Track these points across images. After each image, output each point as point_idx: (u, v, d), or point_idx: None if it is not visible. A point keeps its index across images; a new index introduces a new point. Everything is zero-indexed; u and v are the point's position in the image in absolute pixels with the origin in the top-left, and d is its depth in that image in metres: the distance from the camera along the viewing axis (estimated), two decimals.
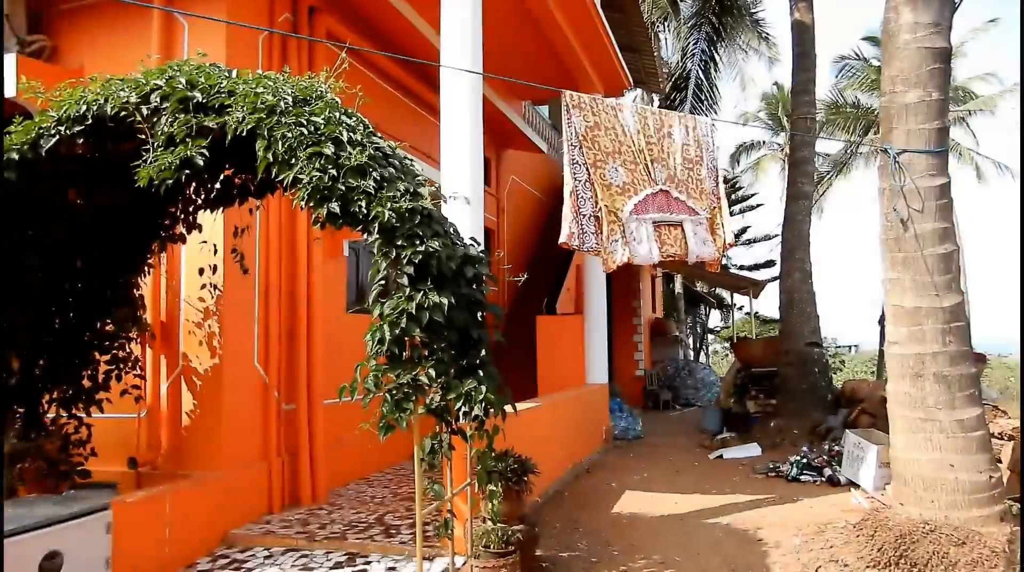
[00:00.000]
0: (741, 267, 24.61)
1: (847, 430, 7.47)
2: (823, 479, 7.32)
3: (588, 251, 4.50)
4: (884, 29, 5.22)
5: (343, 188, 3.30)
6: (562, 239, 4.56)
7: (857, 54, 23.99)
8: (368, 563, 4.64)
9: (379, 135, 3.69)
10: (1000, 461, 5.70)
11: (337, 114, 3.54)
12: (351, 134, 3.45)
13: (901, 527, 4.67)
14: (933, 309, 4.63)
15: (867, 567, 4.65)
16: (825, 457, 7.69)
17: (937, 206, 4.71)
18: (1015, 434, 5.55)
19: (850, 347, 40.13)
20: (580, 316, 10.08)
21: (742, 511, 6.39)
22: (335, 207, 3.30)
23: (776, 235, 19.62)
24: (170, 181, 3.44)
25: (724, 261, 24.67)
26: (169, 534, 4.56)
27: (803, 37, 10.76)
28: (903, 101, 4.92)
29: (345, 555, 4.78)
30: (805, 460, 7.73)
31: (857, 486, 6.83)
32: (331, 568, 4.57)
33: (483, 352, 3.67)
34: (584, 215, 4.39)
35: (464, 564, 4.44)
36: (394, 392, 3.25)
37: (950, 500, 4.59)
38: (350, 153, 3.34)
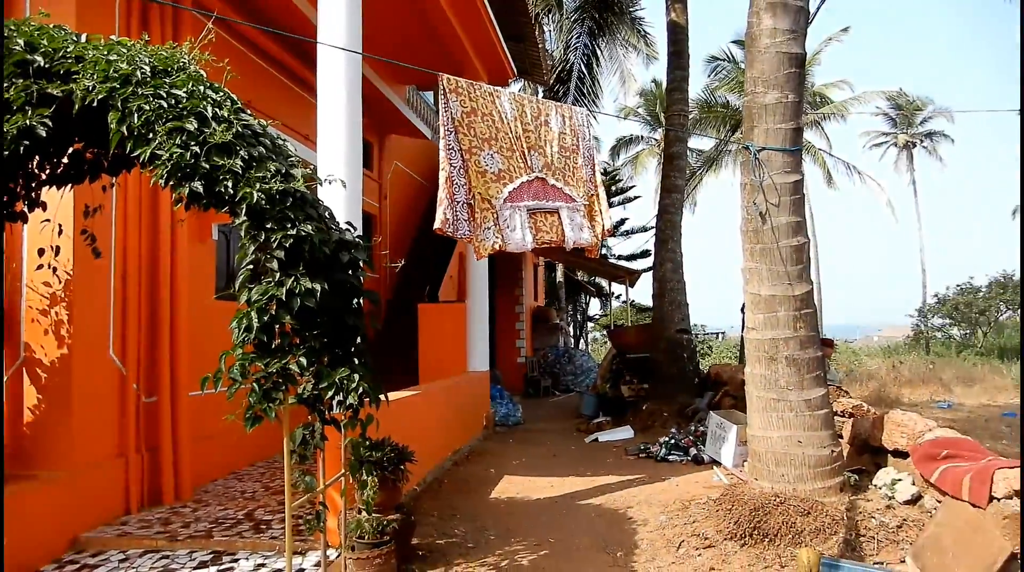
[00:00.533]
0: (619, 257, 25.53)
1: (711, 411, 7.94)
2: (689, 458, 7.77)
3: (461, 238, 4.50)
4: (747, 33, 5.56)
5: (207, 166, 3.12)
6: (436, 225, 4.54)
7: (728, 55, 25.41)
8: (235, 561, 4.46)
9: (249, 112, 3.51)
10: (841, 436, 6.27)
11: (201, 88, 3.35)
12: (217, 109, 3.27)
13: (755, 500, 5.03)
14: (786, 297, 5.01)
15: (725, 539, 4.98)
16: (691, 437, 8.15)
17: (791, 201, 5.10)
18: (855, 412, 6.12)
19: (718, 334, 42.62)
20: (462, 304, 10.11)
21: (614, 491, 6.66)
22: (198, 187, 3.12)
23: (652, 226, 20.47)
24: (6, 152, 3.13)
25: (603, 251, 25.44)
26: (5, 542, 4.18)
27: (677, 37, 11.26)
28: (763, 101, 5.27)
29: (211, 554, 4.57)
30: (673, 441, 8.16)
31: (719, 464, 7.29)
32: (194, 568, 4.35)
33: (358, 340, 3.61)
34: (458, 202, 4.37)
35: (338, 557, 4.36)
36: (262, 382, 3.13)
37: (798, 473, 4.99)
38: (215, 129, 3.17)
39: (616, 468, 7.73)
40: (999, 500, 4.05)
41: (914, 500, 4.86)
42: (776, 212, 5.05)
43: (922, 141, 34.43)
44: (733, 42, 26.80)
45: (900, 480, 5.00)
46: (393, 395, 6.53)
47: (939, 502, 4.64)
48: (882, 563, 4.53)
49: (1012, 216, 30.13)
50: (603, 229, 5.17)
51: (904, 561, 4.52)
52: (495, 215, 4.46)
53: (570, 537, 5.45)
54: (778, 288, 5.01)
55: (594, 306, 31.79)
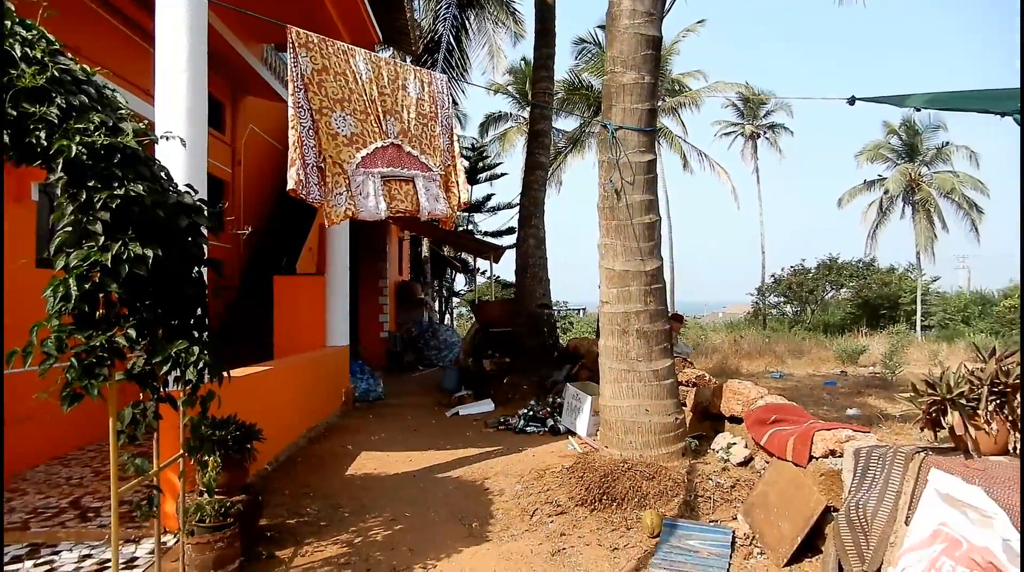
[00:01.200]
0: (485, 233, 25.70)
1: (568, 383, 8.19)
2: (546, 429, 7.98)
3: (313, 202, 4.27)
4: (608, 12, 5.68)
5: (15, 114, 2.77)
6: (290, 186, 4.26)
7: (594, 39, 26.02)
8: (57, 553, 4.07)
9: (70, 56, 3.14)
10: (685, 404, 6.67)
11: (9, 24, 2.95)
12: (28, 49, 2.89)
13: (605, 467, 5.25)
14: (638, 272, 5.22)
15: (576, 505, 5.17)
16: (548, 409, 8.38)
17: (645, 180, 5.30)
18: (698, 381, 6.53)
19: (579, 310, 44.11)
20: (321, 277, 9.76)
21: (472, 464, 6.72)
22: (4, 137, 2.76)
23: (517, 203, 20.72)
24: None
25: (469, 226, 25.38)
26: None
27: (545, 15, 11.34)
28: (621, 81, 5.42)
29: (27, 547, 4.15)
30: (531, 413, 8.35)
31: (575, 434, 7.55)
32: (5, 564, 3.93)
33: (199, 311, 3.36)
34: (309, 164, 4.13)
35: (176, 542, 4.09)
36: (83, 356, 2.84)
37: (645, 440, 5.26)
38: (25, 71, 2.80)
39: (475, 441, 7.81)
40: (817, 459, 4.46)
41: (746, 462, 5.26)
42: (631, 190, 5.23)
43: (765, 132, 37.09)
44: (599, 26, 27.52)
45: (735, 444, 5.39)
46: (241, 371, 6.23)
47: (767, 463, 5.05)
48: (716, 521, 4.89)
49: (838, 205, 33.28)
50: (459, 201, 5.10)
51: (736, 518, 4.89)
52: (347, 181, 4.26)
53: (426, 510, 5.45)
54: (631, 263, 5.21)
55: (460, 282, 31.85)
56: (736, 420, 5.64)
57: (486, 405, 9.66)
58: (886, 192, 30.99)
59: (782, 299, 37.82)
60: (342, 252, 9.78)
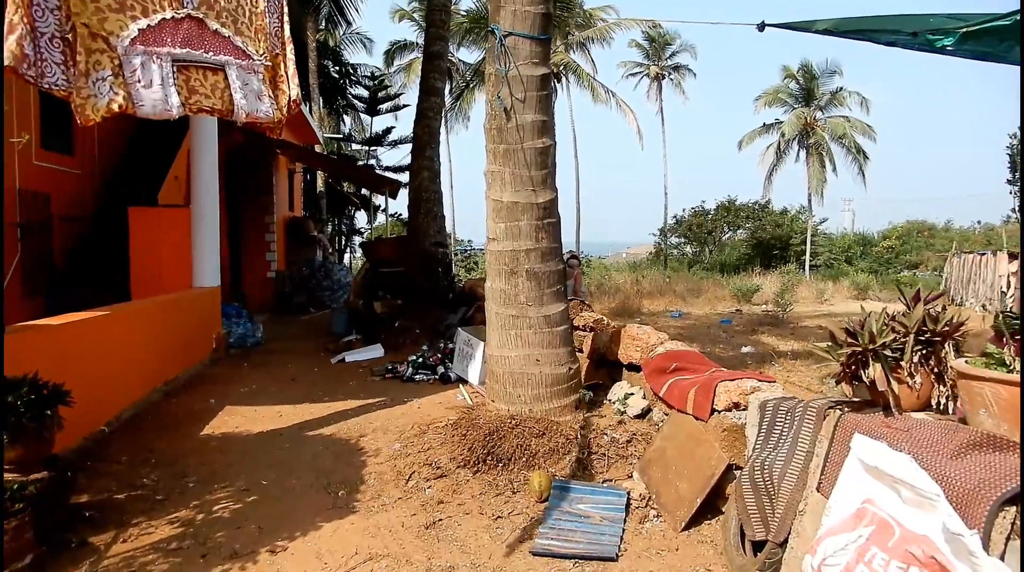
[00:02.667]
0: (386, 168, 24.34)
1: (459, 328, 7.53)
2: (437, 377, 7.33)
3: (50, 89, 3.16)
4: None
5: None
6: (7, 61, 2.95)
7: None
8: None
9: None
10: (581, 350, 6.14)
11: None
12: None
13: (490, 424, 4.65)
14: (529, 205, 4.53)
15: (458, 467, 4.56)
16: (440, 355, 7.71)
17: (538, 97, 4.56)
18: (596, 326, 6.00)
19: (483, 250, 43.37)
20: (185, 209, 8.58)
21: (350, 418, 6.00)
22: None
23: None
24: None
25: (371, 162, 23.94)
26: None
27: None
28: None
29: None
30: (421, 360, 7.67)
31: (467, 382, 6.93)
32: None
33: None
34: (44, 34, 3.03)
35: None
36: None
37: (535, 394, 4.67)
38: None
39: (358, 391, 7.06)
40: (720, 412, 4.00)
41: (644, 414, 4.78)
42: (522, 108, 4.48)
43: (670, 74, 36.88)
44: None
45: (632, 394, 4.90)
46: (66, 318, 5.20)
47: (666, 415, 4.58)
48: (611, 480, 4.40)
49: (738, 148, 33.72)
50: (290, 100, 4.10)
51: (632, 476, 4.42)
52: (115, 61, 3.17)
53: (288, 476, 4.71)
54: (521, 194, 4.51)
55: (363, 220, 30.45)
56: (635, 368, 5.13)
57: (375, 351, 8.89)
58: (783, 135, 31.55)
59: (683, 240, 38.48)
60: (210, 181, 8.61)
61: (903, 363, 2.88)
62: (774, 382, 4.06)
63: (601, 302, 21.19)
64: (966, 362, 2.58)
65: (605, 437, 4.63)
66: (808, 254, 32.04)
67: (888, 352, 2.88)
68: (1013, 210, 21.19)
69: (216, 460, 5.01)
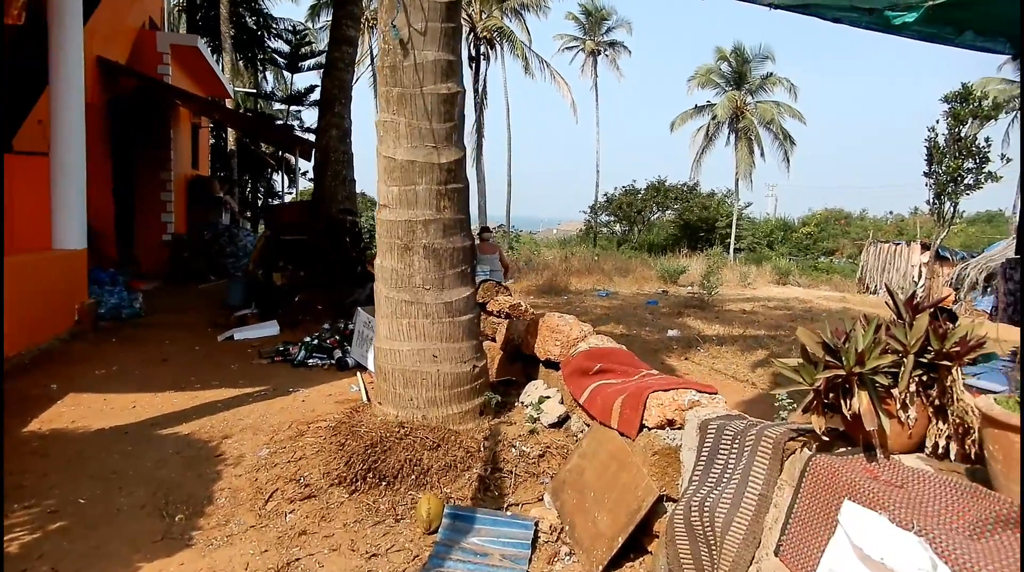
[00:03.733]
0: (307, 129, 22.72)
1: (359, 307, 6.57)
2: (332, 362, 6.37)
3: None
4: None
5: None
6: None
7: None
8: None
9: None
10: (495, 340, 5.30)
11: None
12: None
13: (373, 433, 3.75)
14: (429, 165, 3.61)
15: (332, 485, 3.65)
16: (338, 337, 6.73)
17: (443, 30, 3.61)
18: (512, 312, 5.15)
19: None
20: (43, 158, 7.24)
21: (218, 413, 4.99)
22: None
23: None
24: None
25: (292, 122, 22.19)
26: None
27: None
28: None
29: None
30: (317, 341, 6.68)
31: (365, 369, 6.00)
32: None
33: None
34: None
35: None
36: None
37: (430, 397, 3.79)
38: None
39: (238, 377, 6.03)
40: (650, 429, 3.22)
41: (561, 422, 3.98)
42: (422, 43, 3.53)
43: (605, 50, 36.15)
44: None
45: (548, 397, 4.08)
46: None
47: (587, 426, 3.79)
48: (517, 505, 3.60)
49: (670, 129, 33.39)
50: None
51: (543, 499, 3.63)
52: None
53: (117, 491, 3.72)
54: (419, 152, 3.58)
55: (286, 183, 28.67)
56: (554, 365, 4.32)
57: (269, 328, 7.82)
58: (714, 118, 31.40)
59: (613, 218, 38.15)
60: (75, 126, 7.30)
61: (895, 392, 2.14)
62: (715, 394, 3.30)
63: (529, 278, 20.45)
64: (996, 402, 1.85)
65: (514, 450, 3.80)
66: (733, 237, 32.21)
67: (879, 377, 2.13)
68: (927, 202, 21.35)
69: (30, 468, 3.95)
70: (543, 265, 23.46)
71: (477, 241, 10.56)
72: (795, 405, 3.42)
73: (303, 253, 8.85)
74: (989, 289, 20.30)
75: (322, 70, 18.85)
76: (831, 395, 2.18)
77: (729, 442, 2.77)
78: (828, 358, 2.19)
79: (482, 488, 3.61)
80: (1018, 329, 7.91)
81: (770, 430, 2.57)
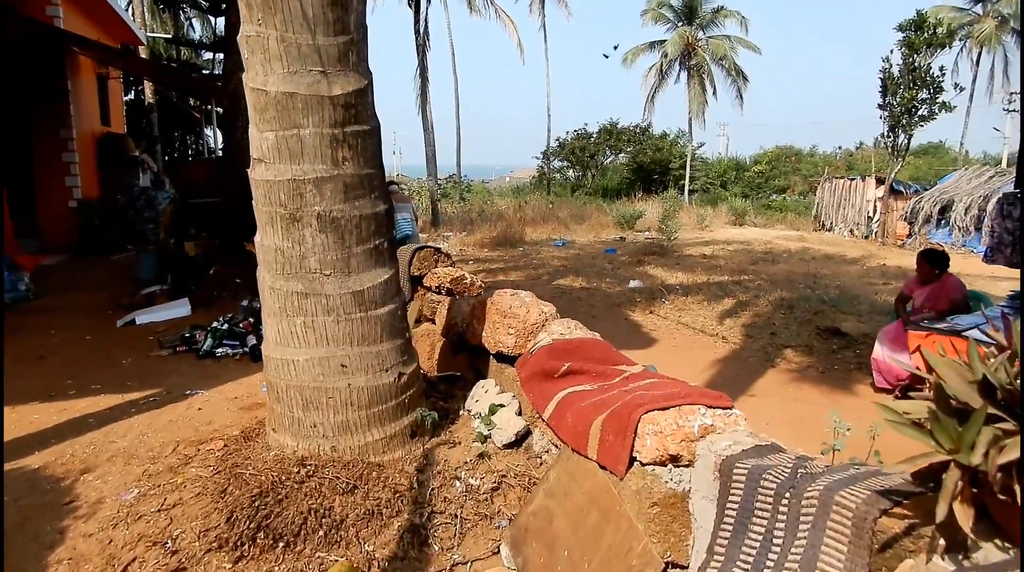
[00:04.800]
0: None
1: None
2: (246, 350, 5.25)
3: None
4: None
5: None
6: None
7: None
8: None
9: None
10: (433, 321, 4.25)
11: None
12: None
13: (264, 476, 2.69)
14: (317, 98, 2.47)
15: (209, 549, 2.61)
16: (252, 319, 5.59)
17: None
18: (455, 286, 4.09)
19: None
20: None
21: (88, 431, 3.86)
22: None
23: None
24: None
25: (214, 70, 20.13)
26: None
27: None
28: None
29: None
30: (228, 325, 5.53)
31: None
32: None
33: None
34: None
35: None
36: None
37: (341, 421, 2.73)
38: None
39: (127, 377, 4.88)
40: (644, 465, 2.25)
41: (520, 440, 2.97)
42: None
43: None
44: None
45: (502, 406, 3.07)
46: None
47: (556, 447, 2.81)
48: (465, 562, 2.62)
49: (623, 63, 31.99)
50: None
51: (498, 552, 2.66)
52: None
53: None
54: (301, 79, 2.44)
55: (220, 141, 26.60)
56: (508, 359, 3.30)
57: (179, 308, 6.61)
58: (665, 56, 30.11)
59: (566, 163, 36.92)
60: None
61: None
62: (731, 409, 2.32)
63: (482, 230, 19.32)
64: None
65: (458, 484, 2.80)
66: (688, 179, 31.41)
67: None
68: (882, 134, 20.87)
69: None
70: (496, 215, 22.31)
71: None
72: (850, 429, 2.49)
73: (217, 218, 7.56)
74: (943, 222, 20.01)
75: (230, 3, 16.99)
76: (998, 475, 1.21)
77: (771, 501, 1.81)
78: (995, 410, 1.20)
79: (417, 541, 2.61)
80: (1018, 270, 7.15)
81: (845, 494, 1.61)
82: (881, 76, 19.51)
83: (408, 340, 2.96)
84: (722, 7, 29.46)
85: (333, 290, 2.63)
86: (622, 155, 35.60)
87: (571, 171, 37.13)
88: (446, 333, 3.91)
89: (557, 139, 36.27)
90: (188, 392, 4.49)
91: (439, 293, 4.18)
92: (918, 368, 5.71)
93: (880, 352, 6.47)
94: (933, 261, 6.18)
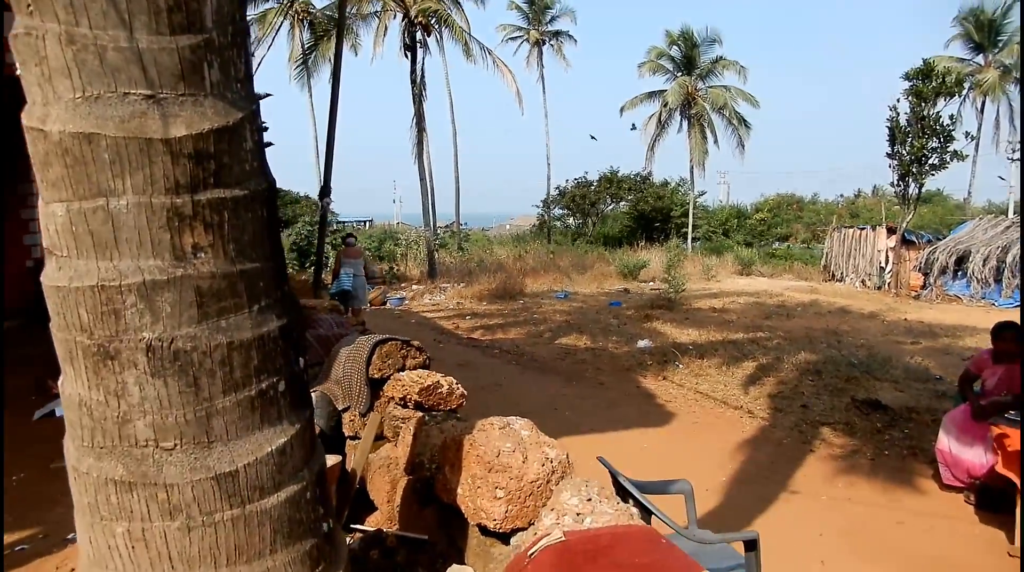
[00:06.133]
0: None
1: None
2: None
3: None
4: None
5: None
6: None
7: None
8: None
9: None
10: (396, 445, 3.04)
11: None
12: None
13: None
14: (141, 143, 1.32)
15: None
16: None
17: None
18: (427, 399, 2.92)
19: (365, 222, 39.67)
20: None
21: None
22: None
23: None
24: None
25: None
26: None
27: None
28: None
29: None
30: None
31: None
32: None
33: None
34: None
35: None
36: None
37: None
38: None
39: (7, 502, 3.67)
40: None
41: None
42: None
43: (550, 39, 34.06)
44: None
45: None
46: None
47: None
48: None
49: (620, 114, 31.46)
50: None
51: None
52: None
53: None
54: (111, 110, 1.29)
55: None
56: (497, 536, 2.11)
57: None
58: (665, 105, 29.54)
59: (566, 211, 36.13)
60: None
61: None
62: None
63: (481, 282, 18.24)
64: None
65: None
66: (691, 227, 30.52)
67: None
68: (891, 183, 20.03)
69: None
70: (496, 265, 21.29)
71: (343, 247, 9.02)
72: None
73: None
74: (960, 273, 18.89)
75: None
76: None
77: None
78: None
79: None
80: None
81: None
82: (889, 125, 18.74)
83: (331, 534, 1.76)
84: (721, 57, 29.01)
85: (179, 475, 1.46)
86: (623, 203, 34.83)
87: (571, 219, 36.35)
88: (410, 470, 2.72)
89: (557, 187, 35.60)
90: (69, 537, 3.28)
91: (404, 405, 3.01)
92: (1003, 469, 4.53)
93: (946, 443, 5.29)
94: (1018, 336, 5.04)
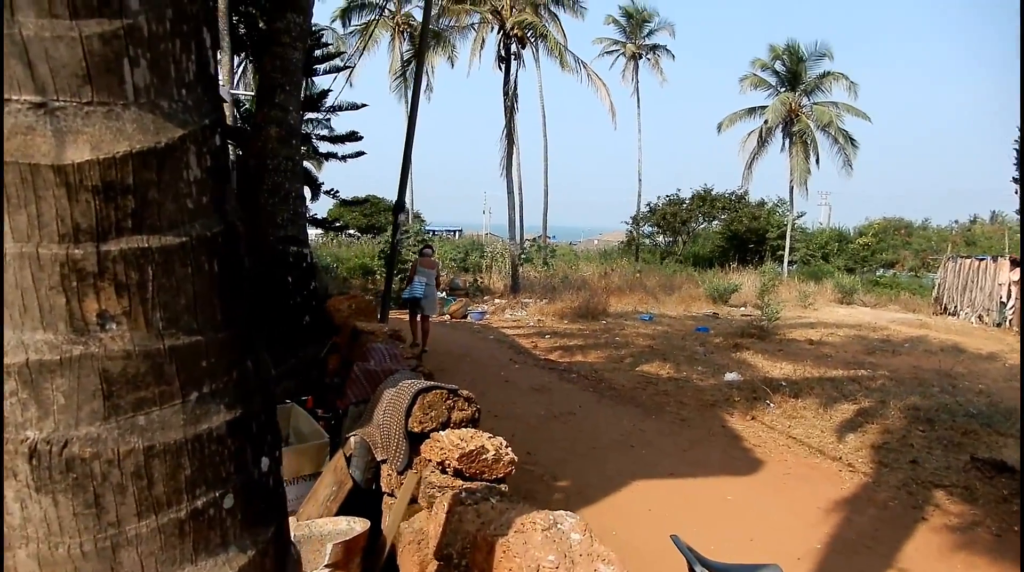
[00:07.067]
0: (337, 138, 20.34)
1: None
2: None
3: None
4: None
5: None
6: None
7: None
8: None
9: None
10: (428, 519, 2.59)
11: None
12: None
13: None
14: (23, 171, 1.01)
15: None
16: None
17: None
18: (468, 468, 2.44)
19: (455, 231, 39.81)
20: None
21: None
22: None
23: (362, 104, 15.81)
24: None
25: (319, 130, 19.97)
26: None
27: None
28: None
29: None
30: None
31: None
32: None
33: None
34: None
35: None
36: None
37: None
38: None
39: None
40: None
41: None
42: None
43: (647, 53, 33.19)
44: None
45: None
46: None
47: None
48: None
49: (718, 130, 30.19)
50: None
51: None
52: None
53: None
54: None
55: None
56: None
57: None
58: (765, 122, 28.04)
59: (655, 229, 35.02)
60: None
61: None
62: None
63: (563, 299, 17.69)
64: None
65: None
66: (787, 249, 28.78)
67: None
68: (1018, 211, 17.87)
69: None
70: (580, 282, 20.68)
71: (418, 257, 8.96)
72: None
73: None
74: None
75: (337, 71, 16.56)
76: None
77: None
78: None
79: None
80: None
81: None
82: (1016, 147, 16.91)
83: None
84: (829, 72, 27.25)
85: None
86: (716, 222, 33.38)
87: (661, 237, 35.19)
88: (439, 556, 2.25)
89: (648, 204, 34.58)
90: None
91: (444, 472, 2.54)
92: None
93: None
94: None
